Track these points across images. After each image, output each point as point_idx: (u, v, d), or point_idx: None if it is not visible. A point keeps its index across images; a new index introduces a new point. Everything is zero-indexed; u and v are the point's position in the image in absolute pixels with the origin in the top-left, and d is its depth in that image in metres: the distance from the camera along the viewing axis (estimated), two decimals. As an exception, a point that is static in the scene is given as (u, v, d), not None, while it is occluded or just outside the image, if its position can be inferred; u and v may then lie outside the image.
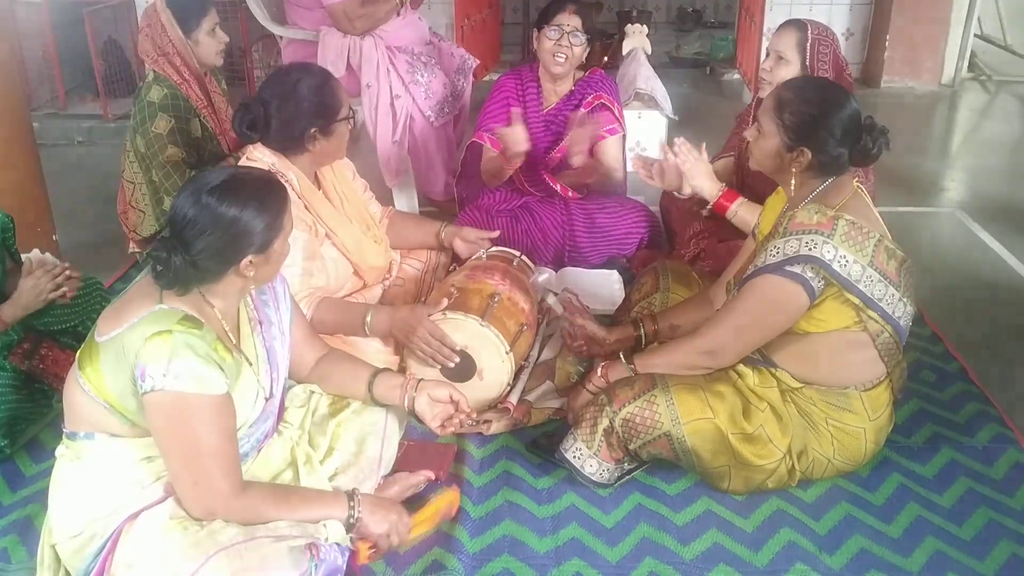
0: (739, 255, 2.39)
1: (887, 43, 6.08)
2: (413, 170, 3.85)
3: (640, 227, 3.29)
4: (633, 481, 2.21)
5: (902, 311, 2.07)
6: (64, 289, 2.41)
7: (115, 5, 5.53)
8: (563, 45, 3.16)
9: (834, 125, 2.04)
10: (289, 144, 2.42)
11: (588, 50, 3.24)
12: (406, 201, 3.87)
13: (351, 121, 2.49)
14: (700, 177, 2.80)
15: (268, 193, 1.79)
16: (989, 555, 1.99)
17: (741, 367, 2.16)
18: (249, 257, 1.76)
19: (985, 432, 2.41)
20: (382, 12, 3.62)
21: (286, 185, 1.96)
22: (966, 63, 6.24)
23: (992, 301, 3.23)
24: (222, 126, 3.22)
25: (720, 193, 2.79)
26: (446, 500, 2.07)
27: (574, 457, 2.14)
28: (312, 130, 2.40)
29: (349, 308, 2.46)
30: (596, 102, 3.27)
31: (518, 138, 2.99)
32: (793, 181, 2.11)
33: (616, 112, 3.28)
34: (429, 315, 2.33)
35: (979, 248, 3.71)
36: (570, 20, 3.14)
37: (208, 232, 1.70)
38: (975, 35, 6.28)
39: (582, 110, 3.19)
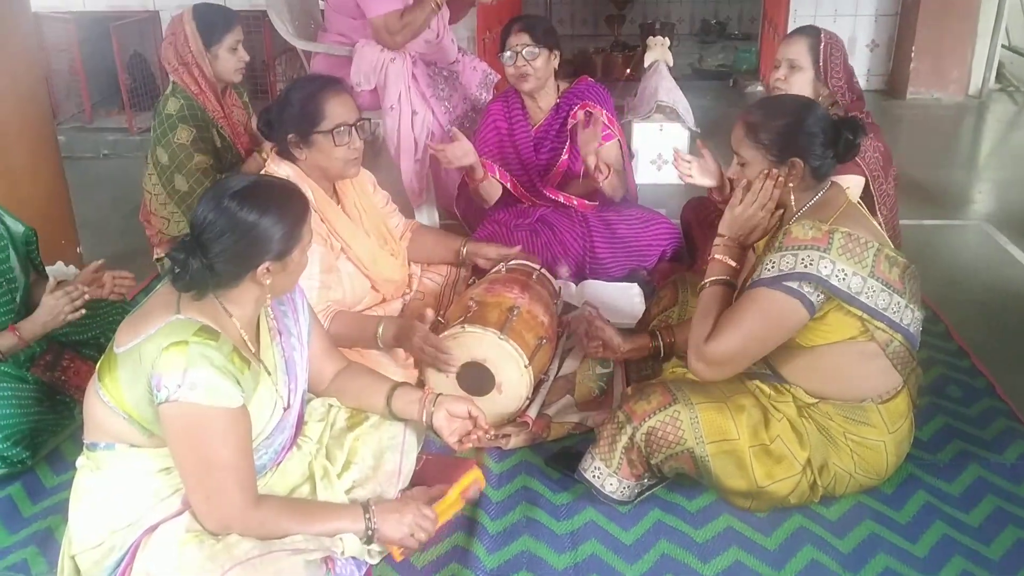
0: (742, 270, 2.36)
1: (913, 54, 6.04)
2: (434, 183, 3.85)
3: (661, 239, 3.27)
4: (653, 497, 2.18)
5: (910, 318, 2.03)
6: (81, 312, 2.41)
7: (141, 20, 5.60)
8: (520, 65, 3.16)
9: (813, 127, 2.03)
10: (283, 149, 2.47)
11: (556, 59, 3.22)
12: (427, 216, 3.86)
13: (339, 136, 2.41)
14: (702, 175, 2.76)
15: (289, 201, 1.80)
16: (1018, 576, 1.95)
17: (757, 383, 2.13)
18: (266, 264, 1.76)
19: (1013, 449, 2.36)
20: (420, 20, 3.56)
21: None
22: (993, 74, 6.18)
23: (1020, 315, 3.17)
24: (238, 136, 3.25)
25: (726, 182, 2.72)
26: (470, 479, 2.06)
27: (593, 477, 2.11)
28: (290, 136, 2.41)
29: (362, 321, 2.46)
30: (582, 111, 3.22)
31: (459, 152, 3.07)
32: (792, 197, 2.07)
33: (605, 119, 3.22)
34: (432, 326, 2.34)
35: (1007, 261, 3.65)
36: (519, 39, 3.15)
37: (226, 235, 1.70)
38: (1002, 46, 6.22)
39: (579, 115, 3.16)
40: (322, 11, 4.10)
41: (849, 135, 2.03)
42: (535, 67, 3.17)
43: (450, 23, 3.85)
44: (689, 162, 2.77)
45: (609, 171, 3.13)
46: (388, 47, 3.60)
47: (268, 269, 1.77)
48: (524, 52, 3.14)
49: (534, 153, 3.32)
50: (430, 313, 2.36)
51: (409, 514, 1.87)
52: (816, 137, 2.03)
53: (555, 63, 3.24)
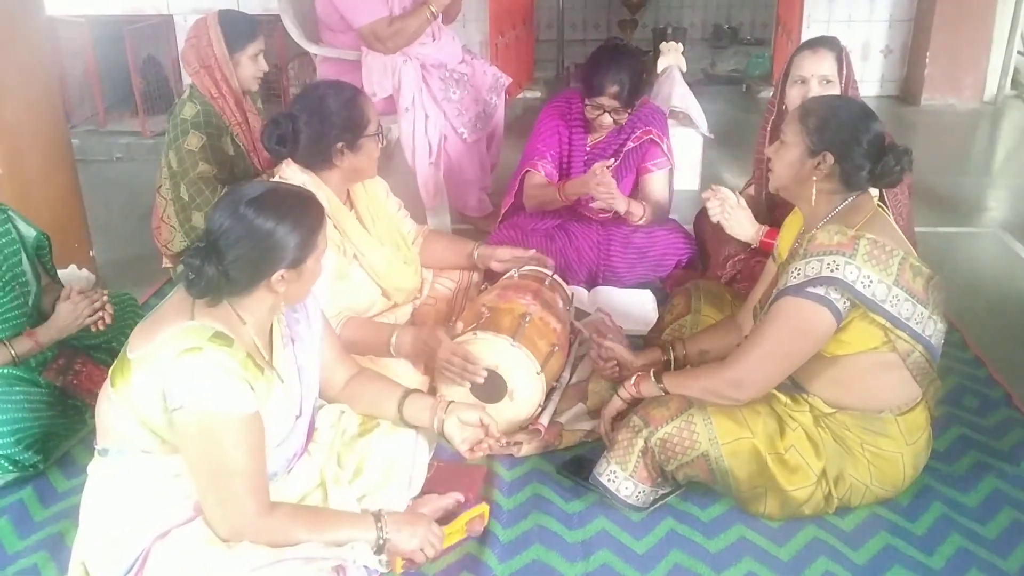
0: (761, 278, 2.35)
1: (928, 60, 5.99)
2: (447, 187, 3.85)
3: (677, 249, 3.26)
4: (666, 507, 2.16)
5: (932, 329, 2.01)
6: (100, 314, 2.43)
7: (155, 23, 5.62)
8: (604, 119, 3.14)
9: (860, 132, 2.02)
10: (317, 159, 2.43)
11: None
12: (439, 220, 3.86)
13: (381, 139, 2.48)
14: (740, 227, 2.82)
15: (305, 209, 1.79)
16: (1036, 589, 1.93)
17: (774, 391, 2.11)
18: (281, 272, 1.75)
19: (1031, 460, 2.34)
20: (412, 28, 3.58)
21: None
22: (1009, 80, 6.13)
23: (1037, 324, 3.14)
24: (254, 144, 3.24)
25: (762, 235, 2.80)
26: (476, 512, 2.06)
27: (609, 480, 2.10)
28: (339, 144, 2.40)
29: (375, 329, 2.45)
30: (645, 137, 3.22)
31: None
32: (814, 191, 2.06)
33: (664, 147, 3.24)
34: (454, 337, 2.31)
35: (1022, 269, 3.62)
36: (611, 103, 3.08)
37: (242, 242, 1.70)
38: (1018, 52, 6.17)
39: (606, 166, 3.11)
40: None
41: (891, 160, 2.01)
42: (618, 122, 3.16)
43: (444, 23, 3.84)
44: (720, 202, 2.79)
45: (644, 211, 3.14)
46: (382, 53, 3.60)
47: (283, 277, 1.76)
48: (613, 113, 3.11)
49: (584, 167, 3.27)
50: (460, 326, 2.34)
51: (421, 528, 1.87)
52: (859, 144, 2.01)
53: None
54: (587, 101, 3.14)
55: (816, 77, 2.73)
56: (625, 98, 3.08)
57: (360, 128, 2.42)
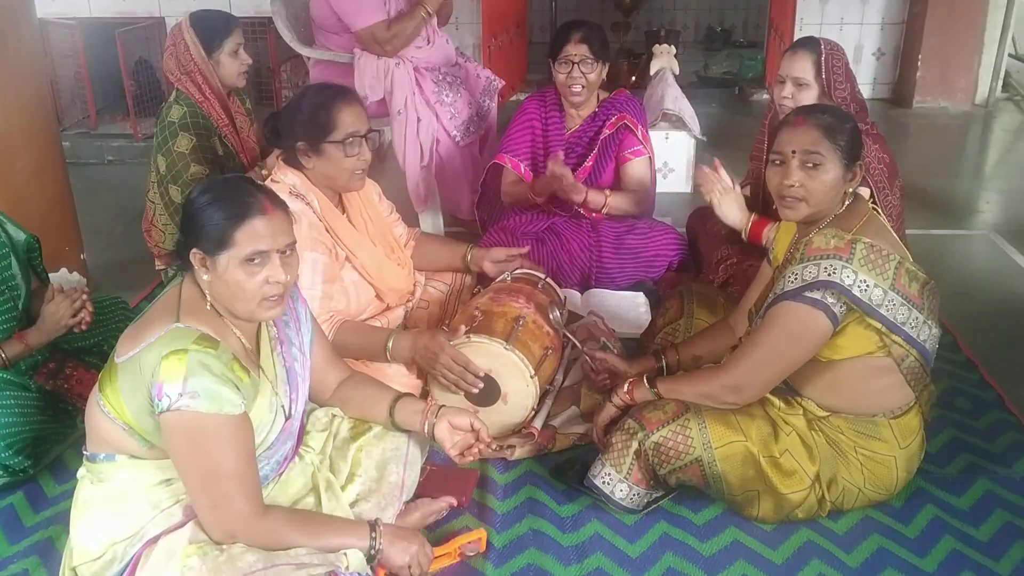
0: (756, 281, 2.35)
1: (919, 63, 6.02)
2: (439, 190, 3.85)
3: (669, 250, 3.26)
4: (659, 510, 2.16)
5: (927, 334, 2.02)
6: (83, 315, 2.42)
7: (146, 26, 5.61)
8: (575, 76, 3.15)
9: (860, 136, 2.06)
10: (291, 157, 2.46)
11: (606, 70, 3.22)
12: (431, 222, 3.86)
13: (348, 150, 2.39)
14: (729, 210, 2.82)
15: (232, 202, 1.74)
16: (1028, 592, 1.93)
17: (768, 395, 2.11)
18: (197, 252, 1.74)
19: (1023, 463, 2.33)
20: (410, 29, 3.58)
21: (286, 211, 1.82)
22: (1000, 83, 6.15)
23: (1029, 326, 3.15)
24: (242, 144, 3.23)
25: (750, 223, 2.80)
26: (472, 537, 2.04)
27: (603, 483, 2.10)
28: (300, 144, 2.40)
29: (370, 332, 2.44)
30: (619, 123, 3.24)
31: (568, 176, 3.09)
32: (846, 202, 2.06)
33: (640, 134, 3.25)
34: (451, 342, 2.31)
35: (1015, 272, 3.63)
36: (577, 50, 3.12)
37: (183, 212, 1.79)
38: (1009, 55, 6.20)
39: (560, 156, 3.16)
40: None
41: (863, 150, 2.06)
42: (589, 80, 3.17)
43: (437, 26, 3.84)
44: (713, 179, 2.80)
45: (605, 201, 3.19)
46: (381, 56, 3.60)
47: (202, 261, 1.74)
48: (583, 64, 3.13)
49: (563, 157, 3.30)
50: (463, 329, 2.34)
51: (415, 545, 1.87)
52: (864, 146, 2.04)
53: (604, 74, 3.23)
54: (556, 61, 3.17)
55: (790, 79, 2.75)
56: (595, 47, 3.13)
57: (322, 131, 2.38)
